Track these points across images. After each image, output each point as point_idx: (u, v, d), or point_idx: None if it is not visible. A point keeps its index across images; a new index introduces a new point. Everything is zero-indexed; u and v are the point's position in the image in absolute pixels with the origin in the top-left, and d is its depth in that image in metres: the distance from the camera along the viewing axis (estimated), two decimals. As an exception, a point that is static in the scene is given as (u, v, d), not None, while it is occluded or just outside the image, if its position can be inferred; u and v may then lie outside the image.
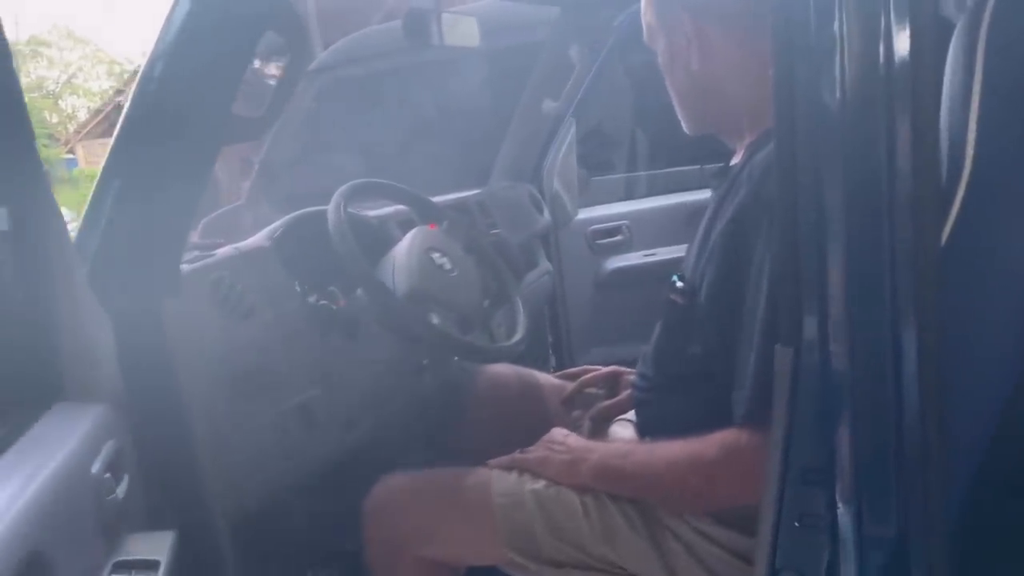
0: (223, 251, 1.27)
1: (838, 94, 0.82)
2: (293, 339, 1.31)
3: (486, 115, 2.27)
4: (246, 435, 1.21)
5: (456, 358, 1.50)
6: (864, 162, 0.82)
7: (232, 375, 1.19)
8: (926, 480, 0.83)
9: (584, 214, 2.45)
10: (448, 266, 1.39)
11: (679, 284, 1.11)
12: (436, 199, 1.69)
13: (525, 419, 1.41)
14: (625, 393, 1.36)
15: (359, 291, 1.33)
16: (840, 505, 0.85)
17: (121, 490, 0.87)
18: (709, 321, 1.04)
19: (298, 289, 1.36)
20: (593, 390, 1.45)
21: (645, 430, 1.22)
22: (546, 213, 2.26)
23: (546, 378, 1.55)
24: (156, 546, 0.87)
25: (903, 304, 0.82)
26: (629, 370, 1.39)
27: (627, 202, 2.60)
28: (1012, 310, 0.91)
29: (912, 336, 0.82)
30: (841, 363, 0.84)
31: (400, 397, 1.47)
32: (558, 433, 1.21)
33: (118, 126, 0.99)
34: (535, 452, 1.19)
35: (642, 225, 2.44)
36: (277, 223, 1.38)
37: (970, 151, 0.91)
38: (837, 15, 0.80)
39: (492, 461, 1.21)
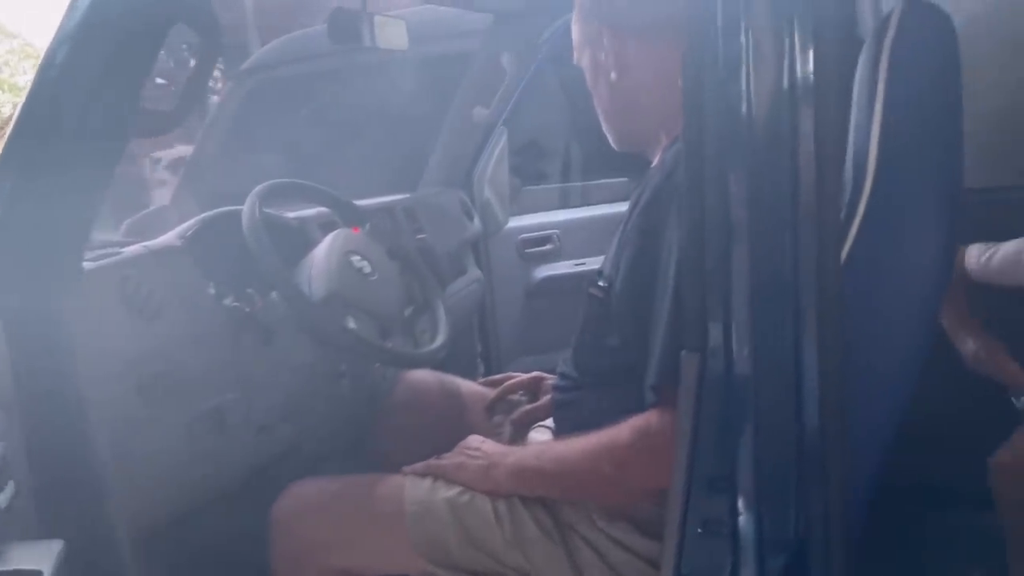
0: (131, 249, 1.23)
1: (744, 107, 0.83)
2: (205, 342, 1.27)
3: (418, 121, 2.26)
4: (154, 441, 1.17)
5: (376, 364, 1.47)
6: (769, 175, 0.83)
7: (139, 378, 1.15)
8: (825, 485, 0.84)
9: (515, 223, 2.45)
10: (368, 270, 1.37)
11: (599, 281, 1.11)
12: (361, 203, 1.67)
13: (445, 426, 1.40)
14: (546, 398, 1.36)
15: (274, 294, 1.30)
16: (742, 511, 0.86)
17: (4, 497, 0.83)
18: (624, 310, 1.05)
19: (212, 291, 1.32)
20: (516, 396, 1.45)
21: (564, 430, 1.21)
22: (476, 220, 2.25)
23: (468, 385, 1.54)
24: (40, 556, 0.83)
25: (805, 313, 0.84)
26: (551, 376, 1.39)
27: (557, 212, 2.61)
28: (910, 319, 0.94)
29: (813, 345, 0.84)
30: (744, 371, 0.85)
31: (317, 403, 1.44)
32: (475, 439, 1.20)
33: (15, 114, 0.95)
34: (451, 458, 1.18)
35: (572, 235, 2.45)
36: (190, 222, 1.35)
37: (872, 164, 0.94)
38: (743, 28, 0.82)
39: (406, 468, 1.20)
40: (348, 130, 2.56)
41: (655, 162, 1.15)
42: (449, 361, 2.20)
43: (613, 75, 1.12)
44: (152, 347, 1.19)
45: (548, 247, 2.45)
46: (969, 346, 1.41)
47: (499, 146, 2.34)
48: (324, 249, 1.35)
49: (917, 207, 0.94)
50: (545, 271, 2.43)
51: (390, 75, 2.24)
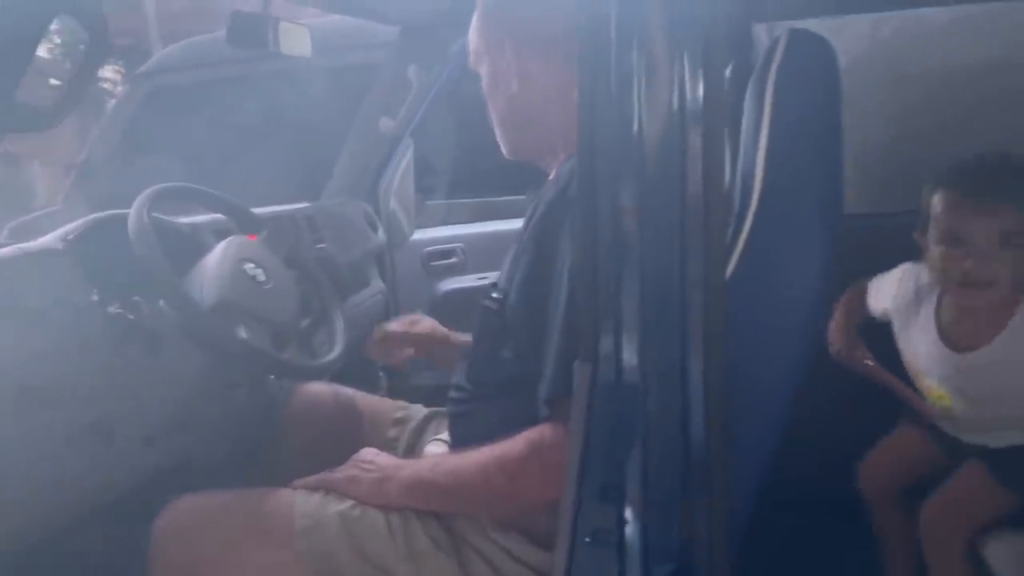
0: (5, 251, 1.16)
1: (636, 125, 0.85)
2: (87, 350, 1.21)
3: (323, 130, 2.23)
4: (32, 454, 1.11)
5: (270, 375, 1.44)
6: (658, 192, 0.85)
7: (16, 387, 1.09)
8: (710, 494, 0.87)
9: (419, 235, 2.44)
10: (263, 278, 1.33)
11: (494, 294, 1.12)
12: (259, 210, 1.63)
13: (341, 439, 1.37)
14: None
15: (162, 302, 1.25)
16: (629, 520, 0.87)
17: None
18: (518, 322, 1.05)
19: (96, 297, 1.26)
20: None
21: (459, 443, 1.21)
22: (380, 232, 2.23)
23: (365, 398, 1.52)
24: None
25: (692, 327, 0.86)
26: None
27: (461, 226, 2.62)
28: (791, 334, 0.98)
29: (699, 358, 0.86)
30: (633, 381, 0.87)
31: (209, 415, 1.39)
32: (369, 452, 1.18)
33: None
34: (344, 471, 1.16)
35: (476, 249, 2.46)
36: (73, 224, 1.28)
37: (757, 186, 0.98)
38: (635, 47, 0.84)
39: (297, 481, 1.17)
40: (250, 138, 2.50)
41: (551, 175, 1.16)
42: (350, 373, 2.17)
43: (514, 86, 1.12)
44: (29, 355, 1.12)
45: (453, 260, 2.45)
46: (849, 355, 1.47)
47: (405, 158, 2.33)
48: (217, 256, 1.31)
49: (799, 228, 0.98)
50: (449, 284, 2.43)
51: (295, 83, 2.21)
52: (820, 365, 1.41)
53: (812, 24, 2.86)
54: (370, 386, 2.27)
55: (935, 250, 1.27)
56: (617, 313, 0.87)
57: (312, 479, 1.16)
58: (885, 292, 1.44)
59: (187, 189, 1.43)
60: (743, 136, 1.05)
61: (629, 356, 0.87)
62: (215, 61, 2.66)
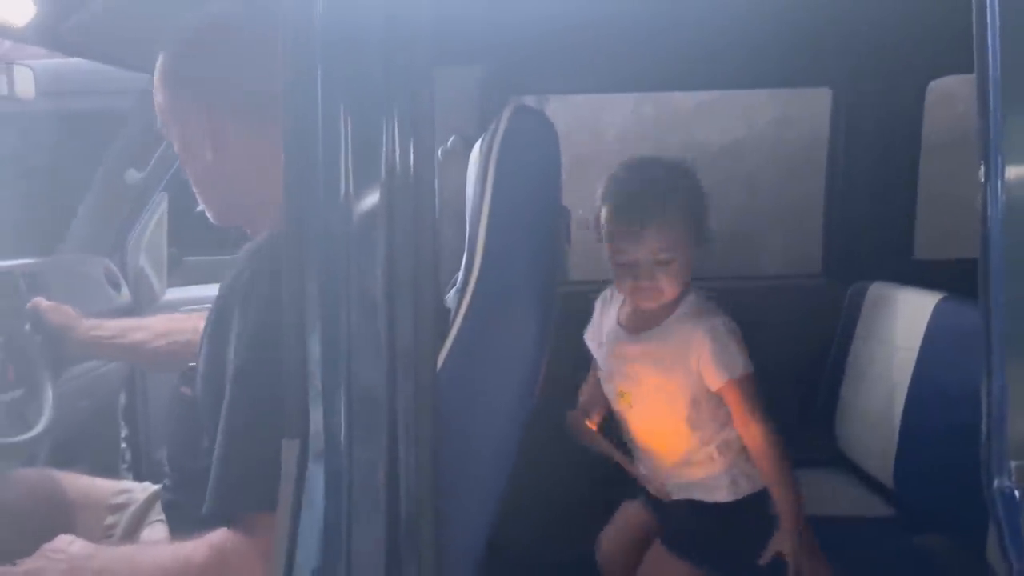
0: None
1: (343, 196, 0.82)
2: None
3: (58, 180, 2.05)
4: None
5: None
6: (366, 265, 0.83)
7: None
8: (420, 569, 0.84)
9: (175, 294, 2.29)
10: (-48, 346, 1.17)
11: (192, 376, 1.04)
12: (-36, 267, 1.45)
13: (45, 530, 1.22)
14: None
15: None
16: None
17: None
18: (206, 413, 0.98)
19: None
20: None
21: (174, 533, 1.11)
22: (124, 291, 2.07)
23: (82, 484, 1.36)
24: None
25: (401, 399, 0.84)
26: None
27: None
28: (510, 397, 0.99)
29: (412, 439, 0.84)
30: (342, 456, 0.83)
31: None
32: (62, 540, 1.06)
33: None
34: (30, 563, 1.03)
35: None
36: None
37: (479, 252, 0.99)
38: (343, 126, 0.82)
39: (-30, 581, 1.02)
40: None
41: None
42: (85, 447, 1.97)
43: (208, 154, 1.05)
44: None
45: (212, 321, 2.31)
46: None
47: (158, 213, 2.19)
48: None
49: (518, 296, 1.00)
50: (207, 347, 2.28)
51: (23, 127, 2.01)
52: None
53: (580, 99, 3.04)
54: (108, 460, 2.07)
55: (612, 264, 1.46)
56: (325, 388, 0.83)
57: (-12, 576, 1.02)
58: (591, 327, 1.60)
59: None
60: (470, 205, 1.07)
61: (337, 432, 0.83)
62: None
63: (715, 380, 1.42)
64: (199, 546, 0.93)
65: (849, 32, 1.81)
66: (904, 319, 1.67)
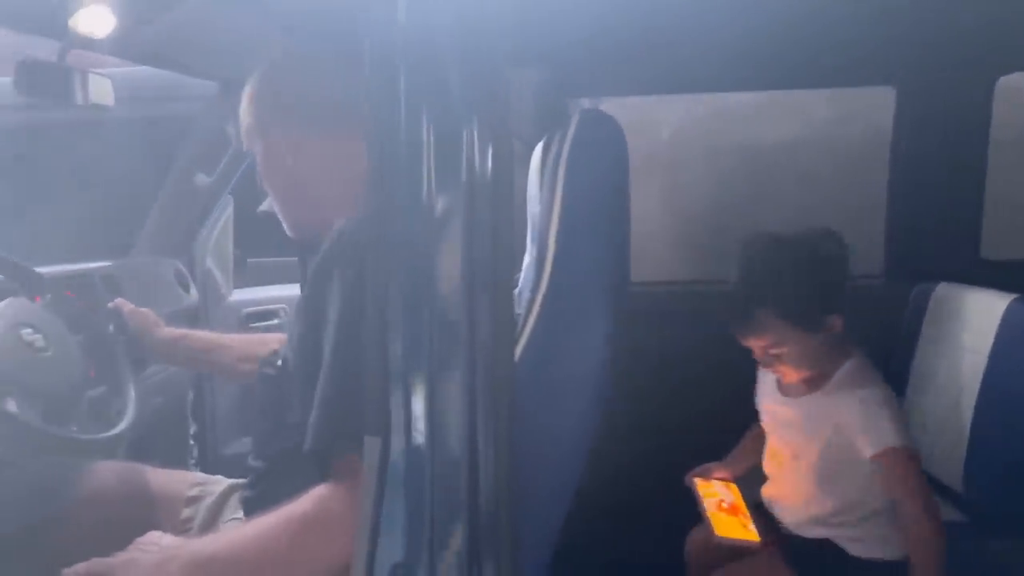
0: None
1: (425, 195, 0.84)
2: None
3: (131, 184, 2.11)
4: None
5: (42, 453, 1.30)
6: (446, 262, 0.85)
7: None
8: (499, 564, 0.86)
9: (239, 295, 2.35)
10: (41, 344, 1.22)
11: (277, 361, 1.08)
12: (48, 270, 1.51)
13: (131, 523, 1.27)
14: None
15: (-86, 371, 1.12)
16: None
17: None
18: (298, 386, 1.02)
19: None
20: None
21: None
22: (193, 291, 2.13)
23: (161, 476, 1.42)
24: None
25: (481, 395, 0.86)
26: None
27: (285, 285, 2.54)
28: (580, 396, 1.00)
29: (489, 424, 0.86)
30: (424, 458, 0.85)
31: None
32: (153, 535, 1.11)
33: None
34: (122, 555, 1.07)
35: (300, 310, 2.38)
36: None
37: (550, 256, 1.00)
38: (425, 124, 0.84)
39: (67, 570, 1.06)
40: (42, 190, 2.32)
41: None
42: (156, 442, 2.03)
43: (289, 161, 1.13)
44: None
45: (274, 322, 2.37)
46: None
47: (224, 216, 2.24)
48: (-11, 320, 1.19)
49: (587, 297, 1.01)
50: (270, 347, 2.34)
51: (98, 134, 2.08)
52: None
53: (634, 100, 3.04)
54: (178, 456, 2.13)
55: None
56: (406, 385, 0.85)
57: (82, 566, 1.06)
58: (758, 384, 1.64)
59: (-43, 248, 1.30)
60: (534, 206, 1.08)
61: (419, 429, 0.86)
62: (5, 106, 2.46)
63: (864, 450, 1.40)
64: (301, 501, 0.97)
65: (913, 29, 1.78)
66: (973, 321, 1.64)
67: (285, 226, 1.19)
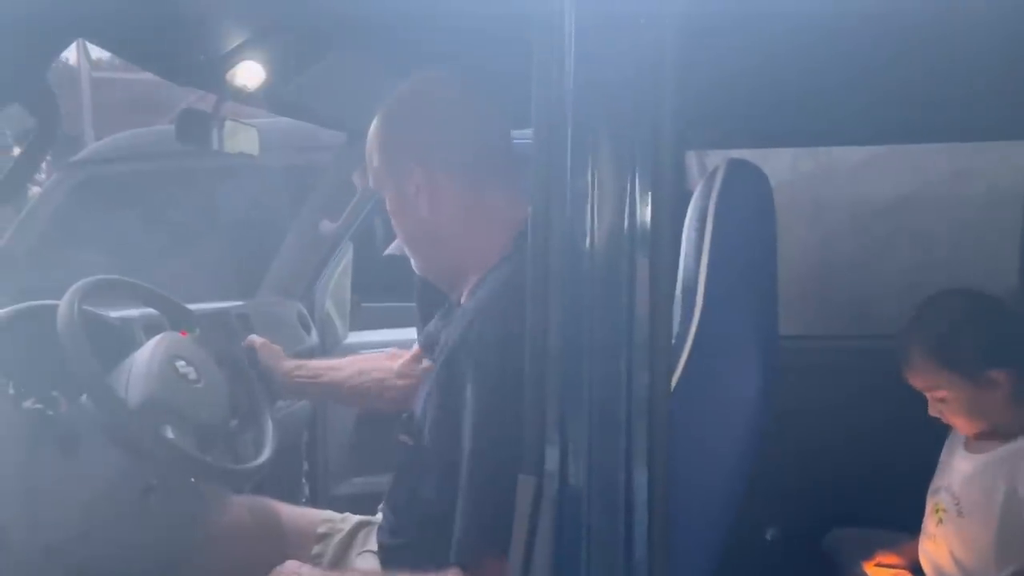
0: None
1: (588, 242, 0.86)
2: (-4, 447, 1.13)
3: (259, 228, 2.22)
4: None
5: (191, 480, 1.36)
6: (606, 308, 0.86)
7: None
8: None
9: (354, 338, 2.41)
10: (193, 376, 1.29)
11: (410, 427, 1.11)
12: (193, 307, 1.59)
13: (263, 556, 1.30)
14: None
15: (84, 397, 1.19)
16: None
17: None
18: (434, 464, 1.04)
19: (12, 391, 1.20)
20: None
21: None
22: (314, 334, 2.20)
23: (290, 512, 1.45)
24: None
25: (636, 440, 0.86)
26: None
27: (397, 329, 2.60)
28: (733, 449, 0.99)
29: (644, 474, 0.86)
30: (578, 496, 0.86)
31: (119, 523, 1.30)
32: (292, 565, 1.13)
33: None
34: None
35: (411, 354, 2.43)
36: (-5, 314, 1.23)
37: (699, 304, 1.00)
38: (590, 169, 0.86)
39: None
40: (182, 232, 2.46)
41: (463, 299, 1.17)
42: (272, 480, 2.08)
43: (424, 210, 1.13)
44: None
45: (386, 365, 2.41)
46: None
47: (344, 261, 2.33)
48: (147, 352, 1.26)
49: (738, 345, 1.01)
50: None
51: (235, 180, 2.20)
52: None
53: (746, 153, 3.03)
54: (291, 493, 2.18)
55: None
56: (562, 427, 0.86)
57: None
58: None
59: (122, 282, 1.39)
60: (683, 256, 1.09)
61: (574, 470, 0.86)
62: (151, 153, 2.63)
63: None
64: None
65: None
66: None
67: (414, 264, 1.21)
